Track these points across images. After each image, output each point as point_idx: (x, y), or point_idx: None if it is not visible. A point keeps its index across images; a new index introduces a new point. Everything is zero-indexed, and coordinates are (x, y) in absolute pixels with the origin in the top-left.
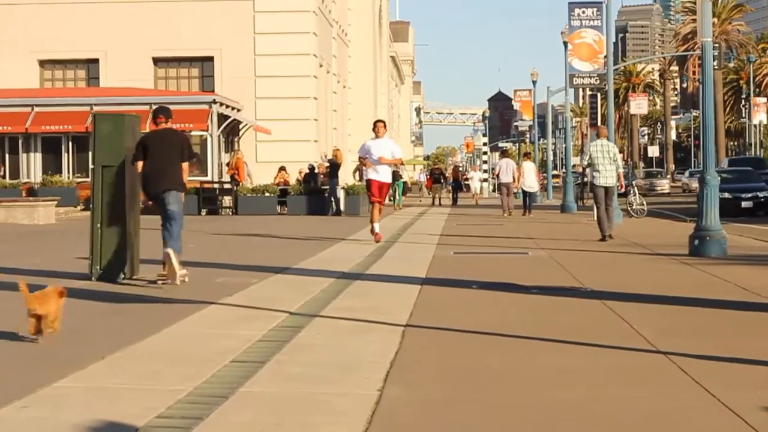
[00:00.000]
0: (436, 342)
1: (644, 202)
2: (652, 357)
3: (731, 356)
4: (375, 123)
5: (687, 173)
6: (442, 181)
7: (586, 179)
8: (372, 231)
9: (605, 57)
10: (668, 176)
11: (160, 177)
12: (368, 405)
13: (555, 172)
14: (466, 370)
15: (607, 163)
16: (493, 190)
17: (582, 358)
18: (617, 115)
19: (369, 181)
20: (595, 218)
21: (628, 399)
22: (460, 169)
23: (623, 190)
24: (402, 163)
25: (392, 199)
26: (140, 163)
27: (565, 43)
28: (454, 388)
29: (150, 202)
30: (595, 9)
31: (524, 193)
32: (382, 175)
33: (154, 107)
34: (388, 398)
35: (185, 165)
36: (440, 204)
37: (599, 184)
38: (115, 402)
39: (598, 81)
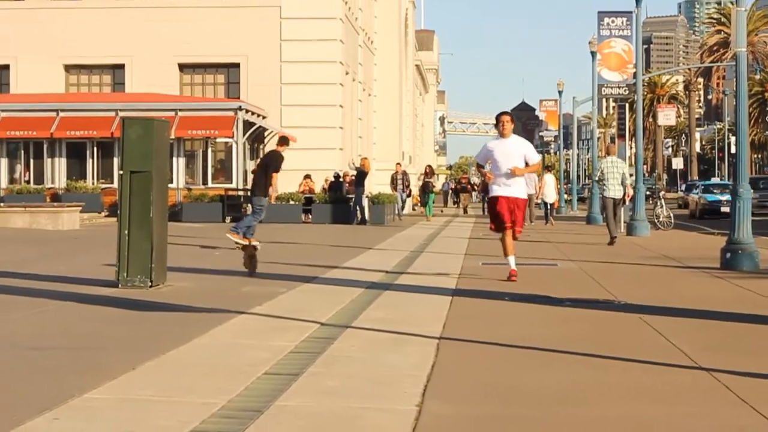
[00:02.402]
0: (472, 355)
1: (671, 214)
2: (695, 373)
3: None
4: (498, 117)
5: None
6: (469, 190)
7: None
8: (505, 253)
9: (634, 67)
10: None
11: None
12: (408, 421)
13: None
14: (506, 385)
15: (616, 177)
16: None
17: (623, 373)
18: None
19: (495, 199)
20: (606, 225)
21: (679, 416)
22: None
23: (629, 200)
24: (538, 171)
25: (412, 207)
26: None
27: (593, 53)
28: (495, 403)
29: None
30: (624, 18)
31: (544, 203)
32: (514, 188)
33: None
34: (428, 414)
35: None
36: (466, 213)
37: (608, 196)
38: (147, 415)
39: (627, 91)
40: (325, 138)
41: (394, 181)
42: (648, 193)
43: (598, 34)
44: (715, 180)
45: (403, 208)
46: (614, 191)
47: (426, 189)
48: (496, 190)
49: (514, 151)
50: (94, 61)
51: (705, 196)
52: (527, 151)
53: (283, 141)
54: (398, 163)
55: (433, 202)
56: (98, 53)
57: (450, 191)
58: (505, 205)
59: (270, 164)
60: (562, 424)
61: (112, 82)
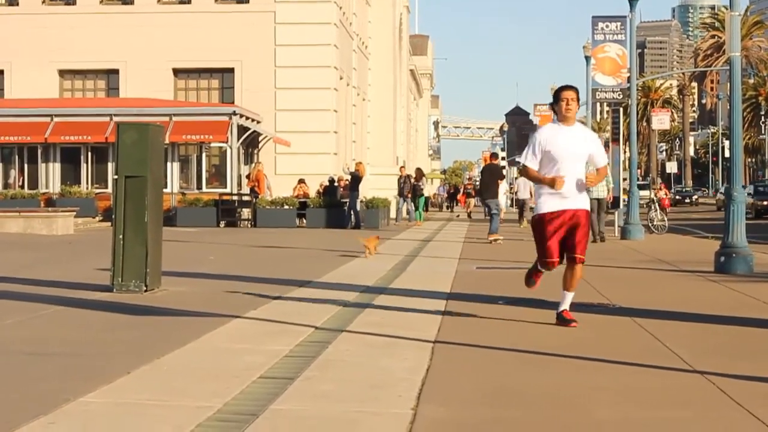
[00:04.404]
0: (467, 359)
1: (665, 218)
2: (690, 377)
3: None
4: (559, 93)
5: None
6: (473, 195)
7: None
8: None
9: (628, 71)
10: None
11: (484, 190)
12: (403, 425)
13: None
14: (501, 389)
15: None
16: (511, 205)
17: (618, 377)
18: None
19: (541, 219)
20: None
21: (675, 420)
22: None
23: (610, 200)
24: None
25: (395, 214)
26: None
27: (587, 58)
28: (490, 407)
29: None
30: (619, 23)
31: (519, 201)
32: (575, 199)
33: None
34: (423, 417)
35: (500, 182)
36: (470, 217)
37: (592, 197)
38: (143, 419)
39: (621, 95)
40: (320, 143)
41: (400, 185)
42: (678, 197)
43: (592, 39)
44: None
45: (408, 212)
46: (596, 192)
47: (415, 193)
48: (549, 204)
49: (578, 146)
50: (88, 66)
51: None
52: (595, 148)
53: (494, 156)
54: (402, 167)
55: (424, 207)
56: (92, 58)
57: (446, 195)
58: (561, 227)
59: (496, 174)
60: (557, 427)
61: (107, 87)
